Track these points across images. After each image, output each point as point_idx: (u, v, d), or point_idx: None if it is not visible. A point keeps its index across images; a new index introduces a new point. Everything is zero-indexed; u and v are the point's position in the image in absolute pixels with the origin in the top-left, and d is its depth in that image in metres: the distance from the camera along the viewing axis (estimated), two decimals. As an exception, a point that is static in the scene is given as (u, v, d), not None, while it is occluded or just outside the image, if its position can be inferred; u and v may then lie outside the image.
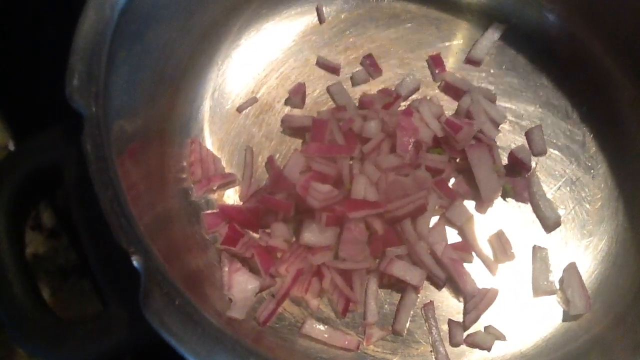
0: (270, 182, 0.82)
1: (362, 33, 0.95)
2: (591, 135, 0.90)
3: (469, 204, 0.83)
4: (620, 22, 0.88)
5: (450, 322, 0.77)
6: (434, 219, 0.82)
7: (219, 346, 0.58)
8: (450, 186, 0.84)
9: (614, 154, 0.88)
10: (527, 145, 0.88)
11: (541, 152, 0.88)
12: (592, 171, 0.88)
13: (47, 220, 0.86)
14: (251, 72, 0.91)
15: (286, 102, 0.90)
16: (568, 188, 0.87)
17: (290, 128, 0.87)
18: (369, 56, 0.93)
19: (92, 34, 0.68)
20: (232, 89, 0.90)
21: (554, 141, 0.90)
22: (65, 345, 0.61)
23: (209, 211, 0.81)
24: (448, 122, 0.84)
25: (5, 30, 0.98)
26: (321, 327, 0.75)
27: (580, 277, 0.80)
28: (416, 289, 0.78)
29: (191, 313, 0.59)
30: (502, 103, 0.91)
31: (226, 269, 0.76)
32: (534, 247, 0.82)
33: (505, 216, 0.84)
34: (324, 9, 0.96)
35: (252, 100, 0.89)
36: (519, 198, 0.85)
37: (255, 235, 0.80)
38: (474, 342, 0.76)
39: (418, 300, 0.78)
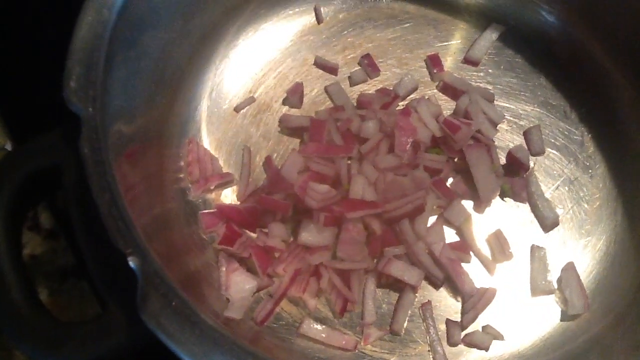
0: (268, 182, 0.82)
1: (360, 33, 0.95)
2: (590, 135, 0.90)
3: (467, 204, 0.83)
4: (619, 23, 0.88)
5: (448, 322, 0.78)
6: (432, 219, 0.82)
7: (216, 347, 0.58)
8: (449, 186, 0.84)
9: (612, 154, 0.88)
10: (525, 145, 0.88)
11: (539, 152, 0.88)
12: (590, 171, 0.88)
13: (45, 221, 0.86)
14: (249, 72, 0.91)
15: (284, 102, 0.90)
16: (566, 188, 0.87)
17: (288, 128, 0.88)
18: (367, 56, 0.93)
19: (90, 36, 0.68)
20: (229, 89, 0.90)
21: (552, 141, 0.90)
22: (63, 347, 0.61)
23: (206, 211, 0.81)
24: (446, 122, 0.84)
25: (5, 30, 0.98)
26: (319, 327, 0.75)
27: (578, 276, 0.80)
28: (414, 289, 0.78)
29: (188, 314, 0.59)
30: (501, 103, 0.91)
31: (224, 268, 0.76)
32: (532, 247, 0.82)
33: (504, 216, 0.84)
34: (322, 9, 0.96)
35: (250, 100, 0.89)
36: (517, 198, 0.85)
37: (253, 235, 0.80)
38: (471, 342, 0.76)
39: (416, 300, 0.78)
